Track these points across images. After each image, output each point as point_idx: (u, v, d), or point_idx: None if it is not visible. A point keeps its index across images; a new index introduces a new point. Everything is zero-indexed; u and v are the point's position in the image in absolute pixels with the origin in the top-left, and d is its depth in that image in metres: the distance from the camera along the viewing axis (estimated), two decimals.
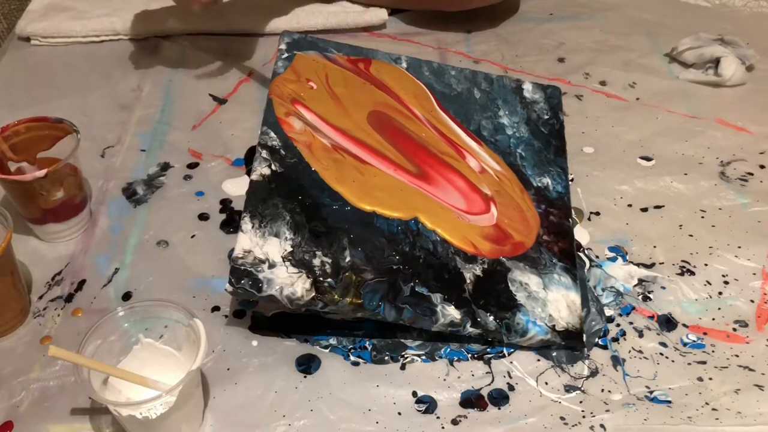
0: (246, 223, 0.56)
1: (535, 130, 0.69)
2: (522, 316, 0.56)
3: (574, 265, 0.60)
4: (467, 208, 0.60)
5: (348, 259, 0.56)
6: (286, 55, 0.68)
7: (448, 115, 0.67)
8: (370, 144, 0.62)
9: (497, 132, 0.67)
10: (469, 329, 0.55)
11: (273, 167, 0.59)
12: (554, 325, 0.56)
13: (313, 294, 0.54)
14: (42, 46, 0.89)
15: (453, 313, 0.55)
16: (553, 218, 0.62)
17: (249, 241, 0.55)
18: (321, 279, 0.54)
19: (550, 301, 0.57)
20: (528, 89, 0.72)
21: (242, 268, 0.54)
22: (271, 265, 0.54)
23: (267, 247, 0.55)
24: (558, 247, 0.61)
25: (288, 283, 0.54)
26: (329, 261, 0.55)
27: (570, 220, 0.63)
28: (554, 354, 0.56)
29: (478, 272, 0.57)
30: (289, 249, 0.55)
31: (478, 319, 0.55)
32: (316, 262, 0.55)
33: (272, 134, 0.61)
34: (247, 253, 0.55)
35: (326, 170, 0.60)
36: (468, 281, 0.57)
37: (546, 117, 0.70)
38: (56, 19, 0.90)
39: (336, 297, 0.54)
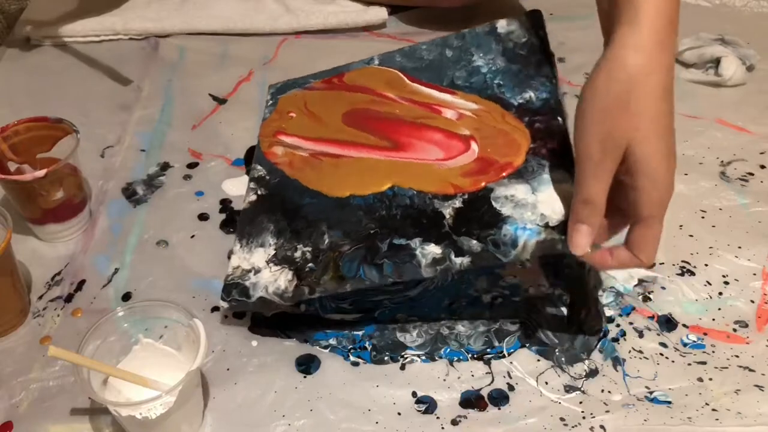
0: (236, 246, 0.59)
1: (512, 56, 0.65)
2: (509, 227, 0.52)
3: (568, 161, 0.53)
4: (445, 155, 0.59)
5: (327, 241, 0.56)
6: (271, 102, 0.71)
7: (422, 83, 0.66)
8: (344, 139, 0.63)
9: (471, 76, 0.65)
10: (456, 260, 0.52)
11: (259, 192, 0.62)
12: (547, 222, 0.51)
13: (296, 282, 0.54)
14: (42, 46, 0.89)
15: (433, 249, 0.53)
16: (539, 124, 0.58)
17: (238, 258, 0.58)
18: (302, 266, 0.55)
19: (541, 201, 0.52)
20: (503, 25, 0.67)
21: (231, 281, 0.57)
22: (257, 271, 0.57)
23: (253, 258, 0.58)
24: (546, 149, 0.56)
25: (272, 280, 0.55)
26: (309, 249, 0.56)
27: (560, 118, 0.58)
28: (555, 354, 0.56)
29: (458, 205, 0.55)
30: (273, 252, 0.57)
31: (461, 247, 0.52)
32: (297, 254, 0.56)
33: (259, 167, 0.64)
34: (236, 268, 0.58)
35: (305, 177, 0.61)
36: (448, 216, 0.54)
37: (524, 40, 0.65)
38: (56, 19, 0.90)
39: (316, 278, 0.54)
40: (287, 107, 0.69)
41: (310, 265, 0.55)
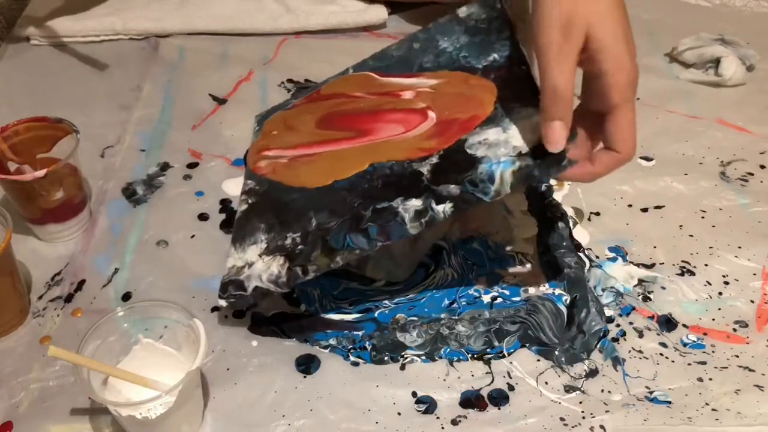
0: (231, 250, 0.60)
1: (474, 31, 0.66)
2: (484, 165, 0.53)
3: (536, 98, 0.51)
4: (405, 129, 0.60)
5: (314, 223, 0.56)
6: (257, 128, 0.72)
7: (391, 76, 0.68)
8: (319, 140, 0.65)
9: (439, 57, 0.66)
10: (437, 208, 0.52)
11: (250, 201, 0.63)
12: (520, 152, 0.52)
13: (287, 265, 0.55)
14: (42, 46, 0.89)
15: (414, 203, 0.53)
16: (504, 76, 0.59)
17: (233, 260, 0.59)
18: (292, 251, 0.55)
19: (512, 136, 0.53)
20: (463, 10, 0.68)
21: (227, 280, 0.57)
22: (250, 265, 0.57)
23: (247, 255, 0.58)
24: (513, 94, 0.57)
25: (265, 269, 0.56)
26: (298, 234, 0.56)
27: (524, 66, 0.59)
28: (555, 354, 0.56)
29: (435, 161, 0.56)
30: (264, 245, 0.58)
31: (441, 194, 0.53)
32: (288, 242, 0.56)
33: (249, 181, 0.65)
34: (231, 268, 0.58)
35: (288, 178, 0.63)
36: (426, 173, 0.55)
37: (483, 16, 0.66)
38: (56, 19, 0.90)
39: (306, 256, 0.54)
40: (271, 128, 0.71)
41: (300, 247, 0.55)
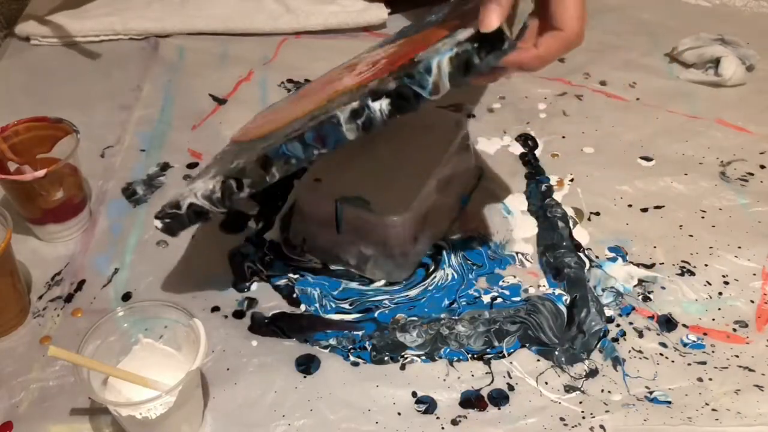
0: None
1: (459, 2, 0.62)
2: (424, 62, 0.47)
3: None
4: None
5: (258, 150, 0.53)
6: None
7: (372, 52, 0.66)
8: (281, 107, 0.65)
9: (420, 27, 0.63)
10: (374, 105, 0.48)
11: (215, 157, 0.63)
12: (458, 41, 0.47)
13: (222, 178, 0.52)
14: (42, 46, 0.89)
15: (351, 106, 0.48)
16: (462, 14, 0.54)
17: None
18: (231, 170, 0.52)
19: (459, 32, 0.48)
20: None
21: (167, 203, 0.55)
22: (191, 184, 0.55)
23: (193, 185, 0.56)
24: (468, 19, 0.50)
25: (202, 187, 0.53)
26: (242, 160, 0.53)
27: None
28: (555, 354, 0.56)
29: (391, 84, 0.49)
30: (211, 172, 0.56)
31: (377, 90, 0.48)
32: (231, 165, 0.54)
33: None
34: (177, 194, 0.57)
35: (248, 136, 0.61)
36: (370, 85, 0.50)
37: None
38: (56, 19, 0.90)
39: (241, 168, 0.52)
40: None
41: (237, 162, 0.53)
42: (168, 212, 0.54)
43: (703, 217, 0.68)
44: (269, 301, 0.60)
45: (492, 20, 0.45)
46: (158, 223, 0.54)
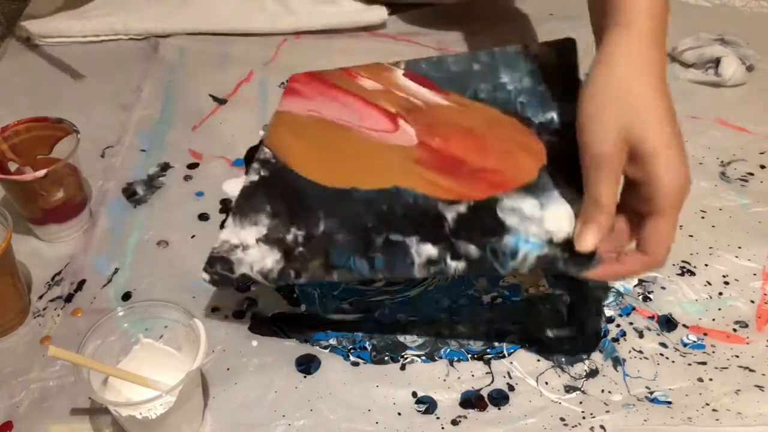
0: (229, 222, 0.58)
1: (541, 76, 0.63)
2: (511, 238, 0.50)
3: (582, 182, 0.50)
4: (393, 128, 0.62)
5: (321, 228, 0.55)
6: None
7: (439, 90, 0.66)
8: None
9: (496, 90, 0.63)
10: (451, 264, 0.50)
11: (262, 173, 0.61)
12: (551, 238, 0.49)
13: (283, 264, 0.53)
14: (42, 46, 0.89)
15: (429, 250, 0.51)
16: (558, 144, 0.56)
17: (228, 233, 0.57)
18: (292, 249, 0.54)
19: (547, 217, 0.50)
20: (535, 47, 0.66)
21: (217, 255, 0.55)
22: (245, 248, 0.55)
23: (243, 234, 0.56)
24: (561, 169, 0.53)
25: (259, 258, 0.54)
26: (302, 233, 0.55)
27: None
28: (555, 354, 0.56)
29: (463, 210, 0.53)
30: (265, 231, 0.56)
31: (458, 251, 0.50)
32: (290, 237, 0.55)
33: (266, 150, 0.63)
34: (225, 242, 0.56)
35: (305, 166, 0.61)
36: (449, 220, 0.53)
37: (554, 63, 0.63)
38: (56, 19, 0.90)
39: (305, 262, 0.53)
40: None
41: (300, 249, 0.54)
42: (220, 272, 0.55)
43: (703, 218, 0.68)
44: (269, 301, 0.60)
45: (588, 242, 0.47)
46: (206, 276, 0.55)
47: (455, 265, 0.51)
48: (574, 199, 0.51)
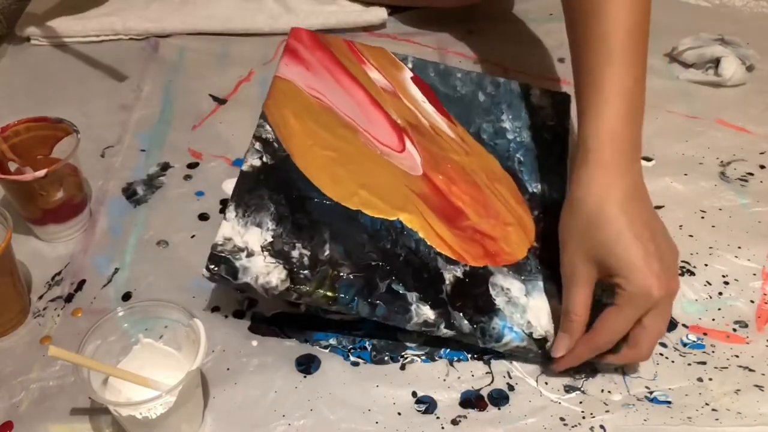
0: (230, 212, 0.57)
1: (538, 136, 0.68)
2: (499, 321, 0.55)
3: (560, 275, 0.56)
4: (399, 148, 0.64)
5: (327, 252, 0.55)
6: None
7: (442, 112, 0.68)
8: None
9: (497, 136, 0.67)
10: (443, 330, 0.54)
11: (264, 159, 0.60)
12: (531, 333, 0.55)
13: (288, 284, 0.54)
14: (42, 46, 0.89)
15: (428, 313, 0.54)
16: (545, 225, 0.61)
17: (231, 229, 0.56)
18: (297, 270, 0.54)
19: (530, 307, 0.56)
20: (536, 95, 0.71)
21: (221, 254, 0.54)
22: (250, 254, 0.55)
23: (248, 236, 0.55)
24: (546, 254, 0.59)
25: (264, 272, 0.54)
26: (308, 253, 0.55)
27: None
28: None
29: (459, 274, 0.56)
30: (270, 239, 0.56)
31: (453, 321, 0.54)
32: (295, 253, 0.55)
33: (267, 127, 0.62)
34: (228, 240, 0.55)
35: (311, 168, 0.60)
36: (447, 282, 0.56)
37: (551, 123, 0.69)
38: (56, 19, 0.90)
39: (310, 289, 0.54)
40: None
41: (305, 272, 0.54)
42: (222, 275, 0.54)
43: (702, 217, 0.68)
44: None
45: (561, 351, 0.53)
46: (206, 273, 0.54)
47: (446, 333, 0.55)
48: (554, 293, 0.57)
